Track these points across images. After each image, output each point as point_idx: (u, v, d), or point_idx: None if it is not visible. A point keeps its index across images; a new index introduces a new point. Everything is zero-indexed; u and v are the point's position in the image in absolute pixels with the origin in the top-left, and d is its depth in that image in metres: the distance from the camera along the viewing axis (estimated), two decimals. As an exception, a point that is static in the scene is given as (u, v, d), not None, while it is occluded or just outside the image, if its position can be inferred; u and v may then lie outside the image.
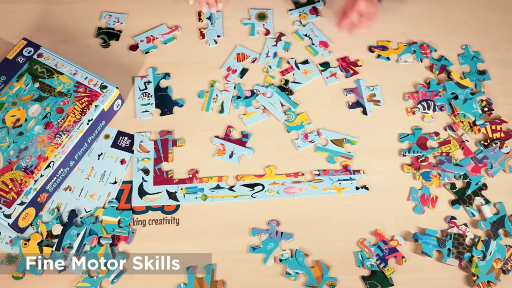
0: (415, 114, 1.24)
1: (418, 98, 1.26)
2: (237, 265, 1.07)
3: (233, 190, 1.14)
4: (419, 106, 1.24)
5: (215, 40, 1.31)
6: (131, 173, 1.15)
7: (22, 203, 1.04)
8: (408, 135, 1.21)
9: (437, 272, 1.07)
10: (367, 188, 1.15)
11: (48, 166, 1.07)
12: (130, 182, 1.14)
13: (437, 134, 1.21)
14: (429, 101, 1.25)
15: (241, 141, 1.19)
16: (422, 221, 1.12)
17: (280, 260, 1.07)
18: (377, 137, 1.22)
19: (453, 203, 1.14)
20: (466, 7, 1.43)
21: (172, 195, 1.13)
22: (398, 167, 1.18)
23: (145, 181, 1.14)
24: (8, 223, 1.02)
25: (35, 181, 1.06)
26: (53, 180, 1.09)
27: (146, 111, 1.22)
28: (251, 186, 1.15)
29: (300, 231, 1.10)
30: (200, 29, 1.33)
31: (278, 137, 1.21)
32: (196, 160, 1.17)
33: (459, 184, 1.16)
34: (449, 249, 1.08)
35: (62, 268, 1.04)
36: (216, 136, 1.20)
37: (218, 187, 1.14)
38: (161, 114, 1.22)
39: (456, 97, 1.26)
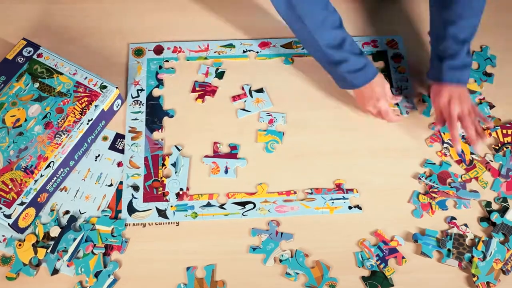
0: (447, 155, 1.20)
1: (439, 138, 1.21)
2: (237, 265, 1.07)
3: (223, 208, 1.13)
4: (445, 145, 1.20)
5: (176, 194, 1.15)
6: (127, 176, 1.15)
7: (22, 203, 1.04)
8: (435, 163, 1.18)
9: (437, 273, 1.07)
10: (360, 208, 1.13)
11: (48, 166, 1.07)
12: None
13: (459, 162, 1.19)
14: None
15: (231, 154, 1.18)
16: (422, 221, 1.12)
17: (280, 261, 1.07)
18: (380, 137, 1.22)
19: (481, 220, 1.13)
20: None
21: (162, 213, 1.11)
22: (399, 167, 1.18)
23: (135, 197, 1.13)
24: (8, 223, 1.02)
25: (35, 181, 1.06)
26: (53, 180, 1.09)
27: (135, 119, 1.21)
28: (242, 204, 1.13)
29: (300, 231, 1.10)
30: (161, 178, 1.16)
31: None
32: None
33: (495, 206, 1.14)
34: (449, 250, 1.08)
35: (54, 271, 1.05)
36: (206, 156, 1.18)
37: (208, 204, 1.13)
38: (150, 124, 1.21)
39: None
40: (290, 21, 1.14)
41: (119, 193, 1.13)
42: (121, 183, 1.14)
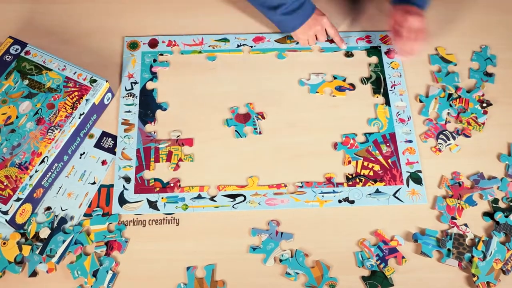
0: (441, 150, 1.20)
1: (434, 134, 1.22)
2: (237, 265, 1.06)
3: (214, 201, 1.12)
4: (440, 141, 1.21)
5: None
6: (111, 175, 1.14)
7: (18, 199, 1.04)
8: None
9: (437, 273, 1.07)
10: (350, 202, 1.13)
11: (42, 161, 1.07)
12: (108, 186, 1.13)
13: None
14: (445, 132, 1.21)
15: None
16: (422, 221, 1.12)
17: (280, 260, 1.06)
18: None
19: (484, 214, 1.13)
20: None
21: (152, 204, 1.11)
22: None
23: (126, 189, 1.12)
24: (6, 220, 1.02)
25: (30, 176, 1.06)
26: (48, 175, 1.09)
27: (129, 111, 1.21)
28: (233, 196, 1.13)
29: (300, 231, 1.10)
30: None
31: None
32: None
33: (502, 204, 1.14)
34: (449, 250, 1.08)
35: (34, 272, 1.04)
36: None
37: (199, 197, 1.12)
38: (143, 116, 1.20)
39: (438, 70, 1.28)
40: None
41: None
42: (105, 186, 1.13)
